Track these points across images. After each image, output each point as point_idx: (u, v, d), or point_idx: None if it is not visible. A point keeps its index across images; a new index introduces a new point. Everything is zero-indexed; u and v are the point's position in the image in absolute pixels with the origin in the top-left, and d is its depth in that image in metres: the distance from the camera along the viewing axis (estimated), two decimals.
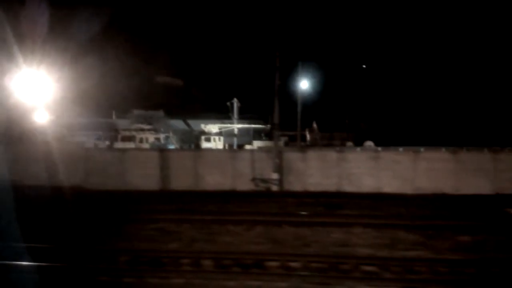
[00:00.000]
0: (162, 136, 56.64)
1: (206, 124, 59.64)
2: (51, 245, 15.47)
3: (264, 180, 32.66)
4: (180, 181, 32.71)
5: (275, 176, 32.38)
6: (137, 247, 16.04)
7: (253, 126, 61.52)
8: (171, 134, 58.63)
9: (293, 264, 13.74)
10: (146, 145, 52.24)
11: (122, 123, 63.34)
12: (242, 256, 14.49)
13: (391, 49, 73.79)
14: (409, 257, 14.59)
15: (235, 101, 61.29)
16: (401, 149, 35.79)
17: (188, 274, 12.88)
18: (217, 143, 56.74)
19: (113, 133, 58.14)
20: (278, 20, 37.21)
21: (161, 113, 63.63)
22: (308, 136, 66.71)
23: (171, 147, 51.95)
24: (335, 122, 69.30)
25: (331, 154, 32.92)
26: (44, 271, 13.00)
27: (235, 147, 58.28)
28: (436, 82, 63.86)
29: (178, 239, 17.40)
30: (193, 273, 13.00)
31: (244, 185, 32.72)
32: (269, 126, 61.94)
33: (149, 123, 59.53)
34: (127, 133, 56.45)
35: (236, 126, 60.30)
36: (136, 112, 62.29)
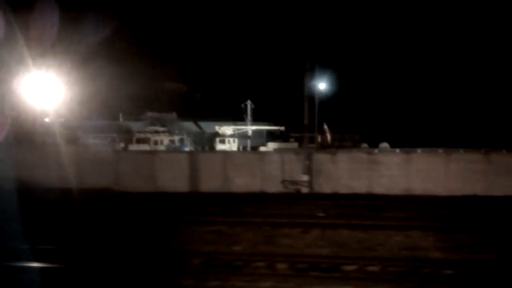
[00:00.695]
0: (176, 138, 56.42)
1: (220, 126, 59.45)
2: (120, 249, 15.33)
3: (294, 182, 32.57)
4: (209, 183, 32.59)
5: (305, 178, 32.29)
6: (204, 250, 15.87)
7: (267, 127, 61.39)
8: (185, 136, 58.39)
9: (370, 268, 13.58)
10: (161, 147, 51.99)
11: (134, 125, 63.20)
12: (314, 259, 14.34)
13: (401, 50, 73.77)
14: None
15: (248, 103, 61.20)
16: (419, 150, 35.69)
17: (272, 278, 12.71)
18: (231, 145, 56.59)
19: (127, 135, 57.91)
20: (307, 27, 37.09)
21: (174, 115, 63.43)
22: (319, 138, 66.59)
23: (186, 149, 51.80)
24: (346, 123, 69.29)
25: (361, 156, 32.88)
26: (128, 275, 12.84)
27: (248, 149, 58.17)
28: (451, 83, 63.90)
29: (239, 241, 17.26)
30: (275, 277, 12.84)
31: (273, 187, 32.63)
32: (283, 127, 61.96)
33: (163, 125, 59.32)
34: (141, 135, 56.22)
35: (251, 128, 60.18)
36: (149, 114, 62.06)
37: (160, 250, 15.72)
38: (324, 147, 60.03)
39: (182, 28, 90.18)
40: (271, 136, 63.87)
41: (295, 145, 57.70)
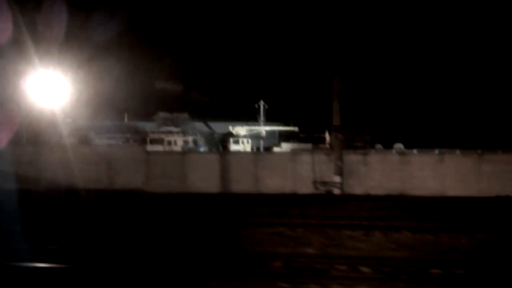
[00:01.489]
0: (190, 138, 56.05)
1: (233, 126, 59.21)
2: (193, 251, 15.07)
3: (325, 183, 32.37)
4: (240, 184, 32.38)
5: (337, 179, 32.14)
6: (277, 252, 15.62)
7: (281, 128, 61.19)
8: (198, 137, 58.06)
9: (459, 271, 13.38)
10: (176, 148, 51.63)
11: (145, 125, 62.81)
12: (397, 263, 14.13)
13: (410, 50, 73.85)
14: None
15: (261, 103, 60.98)
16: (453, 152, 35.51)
17: (366, 282, 12.48)
18: (245, 146, 56.34)
19: (140, 135, 57.50)
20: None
21: (185, 115, 63.00)
22: (328, 139, 66.49)
23: (201, 149, 51.46)
24: (357, 124, 68.99)
25: (393, 157, 32.79)
26: (217, 276, 12.59)
27: (261, 149, 57.93)
28: (464, 84, 63.95)
29: (307, 244, 17.00)
30: (370, 281, 12.61)
31: (304, 188, 32.48)
32: (297, 128, 61.79)
33: (175, 126, 58.96)
34: (155, 136, 55.81)
35: (264, 129, 59.94)
36: (161, 114, 61.63)
37: (233, 252, 15.44)
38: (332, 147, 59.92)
39: (193, 29, 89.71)
40: (282, 136, 63.67)
41: (309, 146, 57.56)
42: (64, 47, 44.11)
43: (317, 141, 62.76)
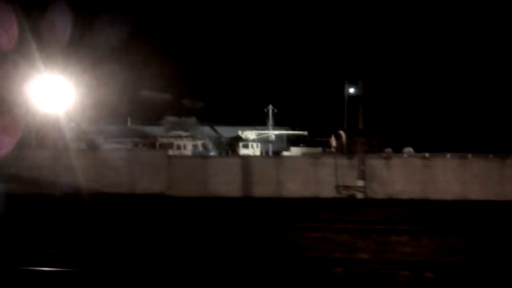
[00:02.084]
0: (199, 143, 55.77)
1: (243, 130, 58.94)
2: (247, 255, 14.86)
3: (348, 187, 32.21)
4: (262, 188, 32.17)
5: (360, 183, 32.00)
6: (332, 257, 15.45)
7: (290, 132, 61.01)
8: (207, 141, 57.80)
9: None
10: (186, 152, 51.31)
11: (153, 129, 62.45)
12: (459, 268, 13.99)
13: (417, 54, 73.98)
14: None
15: (270, 107, 60.75)
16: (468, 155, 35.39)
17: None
18: (255, 150, 56.06)
19: (149, 140, 57.13)
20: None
21: (193, 119, 62.72)
22: (334, 143, 66.38)
23: (210, 154, 51.16)
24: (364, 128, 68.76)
25: (416, 161, 32.64)
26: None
27: (270, 153, 57.74)
28: (472, 87, 64.04)
29: (358, 249, 16.81)
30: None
31: (326, 192, 32.31)
32: (306, 132, 61.62)
33: (183, 130, 58.68)
34: (164, 140, 55.45)
35: (274, 133, 59.72)
36: (169, 118, 61.31)
37: (288, 257, 15.23)
38: (339, 151, 59.85)
39: (200, 32, 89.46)
40: (290, 141, 63.49)
41: (318, 150, 57.40)
42: (68, 52, 43.84)
43: (323, 145, 62.74)
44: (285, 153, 52.08)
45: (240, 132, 58.83)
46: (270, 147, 59.79)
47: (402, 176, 32.13)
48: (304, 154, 40.07)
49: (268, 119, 60.63)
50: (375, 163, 32.38)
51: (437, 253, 16.49)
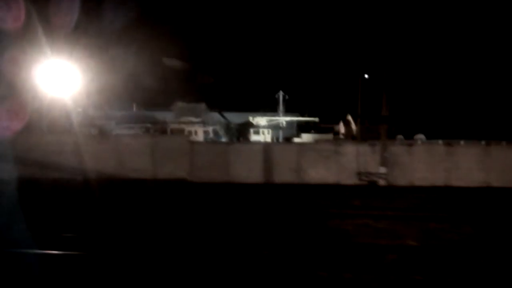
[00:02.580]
0: (210, 129, 55.61)
1: (254, 116, 58.79)
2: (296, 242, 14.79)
3: (370, 174, 32.15)
4: (283, 175, 32.10)
5: (382, 170, 31.92)
6: (378, 243, 15.40)
7: (301, 118, 60.85)
8: (218, 127, 57.66)
9: None
10: (197, 138, 51.16)
11: (162, 115, 62.23)
12: None
13: (429, 41, 73.58)
14: None
15: (281, 93, 60.59)
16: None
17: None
18: (266, 136, 55.97)
19: (160, 126, 56.92)
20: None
21: (203, 105, 62.45)
22: (342, 130, 66.39)
23: (222, 139, 51.04)
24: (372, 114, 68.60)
25: (438, 148, 32.57)
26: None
27: (280, 140, 57.72)
28: (482, 74, 63.82)
29: (402, 236, 16.75)
30: None
31: (348, 179, 32.24)
32: (317, 119, 61.49)
33: (194, 116, 58.45)
34: (176, 126, 55.27)
35: (284, 119, 59.59)
36: (179, 104, 61.03)
37: (337, 243, 15.17)
38: (348, 138, 59.86)
39: (208, 19, 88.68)
40: (299, 127, 63.38)
41: (329, 136, 57.38)
42: (75, 36, 43.44)
43: (331, 132, 62.77)
44: (296, 140, 52.03)
45: (251, 118, 58.66)
46: (281, 134, 59.72)
47: (424, 163, 32.08)
48: (318, 140, 39.97)
49: (278, 105, 60.46)
50: (397, 150, 32.31)
51: (481, 240, 16.39)
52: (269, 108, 62.66)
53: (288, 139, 54.81)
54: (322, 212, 20.19)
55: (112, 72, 54.25)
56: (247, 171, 31.91)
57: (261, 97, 62.77)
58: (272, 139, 56.17)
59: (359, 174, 32.05)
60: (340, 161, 32.32)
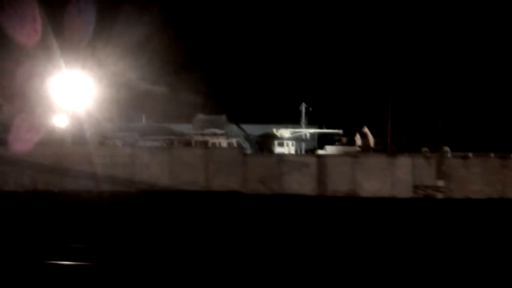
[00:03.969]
0: (234, 140, 54.87)
1: (278, 128, 58.06)
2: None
3: (426, 188, 31.56)
4: (337, 187, 31.51)
5: (440, 183, 31.34)
6: None
7: (326, 130, 60.18)
8: (242, 139, 56.89)
9: None
10: None
11: (179, 127, 61.36)
12: None
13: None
14: None
15: (303, 105, 59.94)
16: None
17: None
18: (289, 148, 55.29)
19: (183, 138, 56.07)
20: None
21: (223, 117, 61.64)
22: (359, 142, 65.81)
23: (247, 151, 50.24)
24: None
25: (493, 161, 32.08)
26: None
27: (303, 152, 56.96)
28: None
29: None
30: None
31: (403, 192, 31.67)
32: (341, 131, 60.86)
33: (215, 128, 57.68)
34: (200, 138, 54.48)
35: (308, 131, 58.92)
36: (200, 116, 60.15)
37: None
38: (365, 150, 59.32)
39: (227, 31, 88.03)
40: (320, 139, 62.70)
41: (354, 148, 56.79)
42: (89, 49, 42.87)
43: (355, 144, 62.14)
44: (320, 152, 51.33)
45: (274, 130, 57.98)
46: (303, 146, 59.00)
47: (479, 176, 31.59)
48: (346, 153, 39.44)
49: (301, 117, 59.80)
50: (452, 163, 31.80)
51: None
52: (284, 119, 62.04)
53: (310, 151, 54.14)
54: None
55: (125, 85, 53.47)
56: (300, 183, 31.26)
57: (276, 109, 62.03)
58: (296, 151, 55.47)
59: (416, 187, 31.40)
60: (395, 174, 31.75)
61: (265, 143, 58.19)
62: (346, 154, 35.22)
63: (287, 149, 54.79)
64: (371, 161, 32.16)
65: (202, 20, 73.88)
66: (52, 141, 34.24)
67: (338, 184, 31.29)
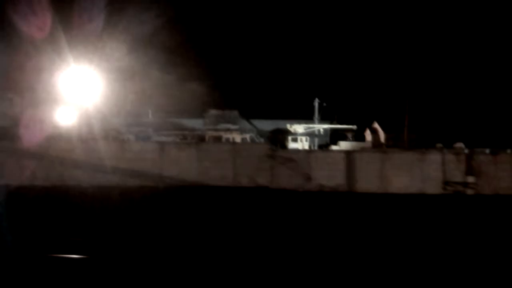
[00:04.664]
0: (247, 136, 54.35)
1: (291, 124, 57.56)
2: None
3: (455, 184, 31.27)
4: (366, 183, 31.26)
5: (470, 179, 31.07)
6: None
7: (340, 126, 59.68)
8: (255, 134, 56.38)
9: None
10: None
11: (191, 122, 60.73)
12: None
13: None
14: None
15: (317, 101, 59.41)
16: None
17: None
18: (303, 144, 54.79)
19: (197, 133, 55.49)
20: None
21: (236, 113, 61.04)
22: (368, 137, 65.32)
23: None
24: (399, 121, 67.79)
25: None
26: None
27: (315, 147, 56.50)
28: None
29: None
30: None
31: (433, 188, 31.43)
32: (355, 127, 60.40)
33: (229, 123, 57.14)
34: (214, 133, 53.88)
35: (322, 126, 58.41)
36: (212, 112, 59.58)
37: None
38: (375, 146, 58.83)
39: (237, 26, 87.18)
40: (332, 135, 62.22)
41: (367, 144, 56.32)
42: (99, 44, 42.53)
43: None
44: (333, 147, 50.90)
45: (288, 126, 57.46)
46: (316, 141, 58.48)
47: (509, 172, 31.26)
48: (360, 148, 38.96)
49: (314, 113, 59.29)
50: (482, 159, 31.49)
51: None
52: (293, 115, 61.54)
53: (322, 147, 53.69)
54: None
55: (135, 80, 52.98)
56: (328, 179, 30.94)
57: (285, 104, 61.42)
58: (310, 146, 55.00)
59: (446, 183, 31.10)
60: (425, 169, 31.49)
61: (277, 138, 57.63)
62: (375, 150, 34.75)
63: (301, 144, 54.21)
64: (401, 157, 31.82)
65: (213, 14, 73.17)
66: (73, 136, 33.81)
67: (367, 180, 31.12)
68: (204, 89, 69.92)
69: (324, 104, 57.31)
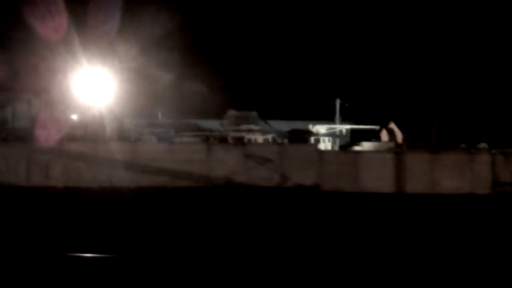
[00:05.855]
0: (269, 136, 53.62)
1: (314, 124, 56.82)
2: None
3: (504, 184, 30.60)
4: (415, 184, 30.47)
5: None
6: None
7: (362, 126, 58.98)
8: (276, 135, 55.64)
9: None
10: None
11: (207, 123, 60.05)
12: None
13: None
14: None
15: (338, 101, 58.73)
16: None
17: None
18: (326, 144, 54.09)
19: (219, 134, 54.70)
20: None
21: (254, 113, 60.23)
22: (385, 137, 64.71)
23: None
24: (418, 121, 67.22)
25: None
26: None
27: (337, 148, 55.77)
28: None
29: None
30: None
31: (482, 189, 30.69)
32: (378, 127, 59.74)
33: (249, 124, 56.38)
34: (236, 134, 53.04)
35: (344, 127, 57.75)
36: (231, 112, 58.76)
37: None
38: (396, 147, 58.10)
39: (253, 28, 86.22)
40: (352, 135, 61.65)
41: (390, 145, 55.61)
42: (112, 46, 41.87)
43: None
44: (356, 148, 50.14)
45: (310, 126, 56.77)
46: (337, 142, 57.84)
47: None
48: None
49: (336, 113, 58.64)
50: None
51: None
52: (309, 115, 60.98)
53: (344, 147, 53.00)
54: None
55: (148, 81, 52.05)
56: (377, 180, 30.12)
57: (302, 105, 60.97)
58: (332, 147, 54.28)
59: (496, 184, 30.39)
60: (475, 170, 30.75)
61: (296, 139, 56.86)
62: (423, 150, 33.87)
63: (323, 145, 53.58)
64: (450, 157, 31.09)
65: (230, 14, 72.43)
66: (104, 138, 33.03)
67: (416, 181, 30.39)
68: (218, 90, 69.00)
69: (346, 105, 56.59)
